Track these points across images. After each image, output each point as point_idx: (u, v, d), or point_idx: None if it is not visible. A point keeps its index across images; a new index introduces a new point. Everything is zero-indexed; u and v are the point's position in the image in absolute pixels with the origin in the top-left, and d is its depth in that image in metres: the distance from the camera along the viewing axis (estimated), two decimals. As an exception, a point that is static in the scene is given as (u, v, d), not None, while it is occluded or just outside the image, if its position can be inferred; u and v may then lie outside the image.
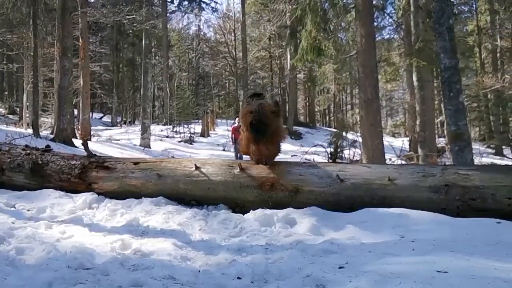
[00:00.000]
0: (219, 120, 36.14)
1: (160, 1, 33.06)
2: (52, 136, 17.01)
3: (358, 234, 4.11)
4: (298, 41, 17.21)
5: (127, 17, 21.32)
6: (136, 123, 34.59)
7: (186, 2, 40.05)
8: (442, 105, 12.33)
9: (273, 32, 38.13)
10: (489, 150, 27.75)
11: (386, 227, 4.25)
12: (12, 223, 4.62)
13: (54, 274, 3.05)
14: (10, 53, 26.50)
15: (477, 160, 13.07)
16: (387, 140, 17.26)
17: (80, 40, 21.54)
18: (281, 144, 5.71)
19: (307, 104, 41.12)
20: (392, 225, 4.30)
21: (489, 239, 3.74)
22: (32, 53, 19.57)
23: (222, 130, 31.47)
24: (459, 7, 28.71)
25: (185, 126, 29.42)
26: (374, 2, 16.18)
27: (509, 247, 3.49)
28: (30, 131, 17.48)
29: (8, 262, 3.35)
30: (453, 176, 4.78)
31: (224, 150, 24.28)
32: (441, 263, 2.94)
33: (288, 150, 24.10)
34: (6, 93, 38.06)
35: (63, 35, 17.32)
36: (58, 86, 17.53)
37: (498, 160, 21.63)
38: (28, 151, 6.61)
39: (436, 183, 4.78)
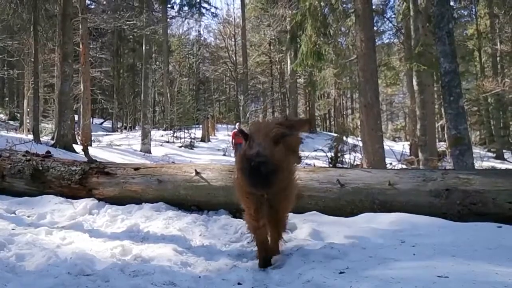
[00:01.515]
0: (220, 125, 36.17)
1: (160, 7, 33.16)
2: (52, 142, 17.00)
3: (359, 239, 4.10)
4: (298, 46, 17.21)
5: (128, 22, 21.36)
6: (136, 128, 34.60)
7: (186, 8, 40.17)
8: (443, 109, 12.32)
9: (273, 37, 38.17)
10: (490, 154, 27.70)
11: (387, 232, 4.24)
12: (13, 229, 4.62)
13: (54, 281, 3.05)
14: (11, 59, 26.55)
15: (477, 164, 13.07)
16: (388, 144, 17.25)
17: (81, 46, 21.58)
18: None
19: (308, 108, 41.09)
20: (392, 230, 4.29)
21: (490, 243, 3.74)
22: (32, 59, 19.61)
23: (223, 135, 31.48)
24: (458, 11, 28.79)
25: (186, 131, 29.42)
26: (374, 7, 16.22)
27: (510, 252, 3.48)
28: (30, 137, 17.49)
29: (8, 269, 3.34)
30: (453, 180, 4.78)
31: (224, 155, 24.25)
32: (442, 268, 2.94)
33: (289, 155, 24.03)
34: (7, 99, 38.14)
35: (63, 41, 17.34)
36: (59, 92, 17.55)
37: (498, 164, 21.59)
38: (28, 157, 6.62)
39: (437, 188, 4.78)
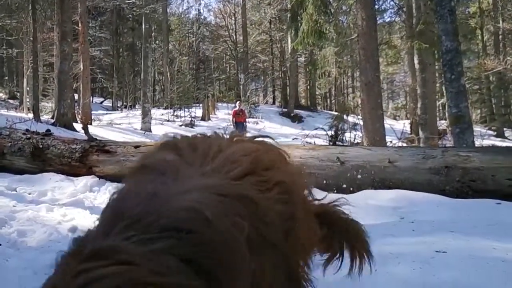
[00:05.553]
0: (220, 104, 35.98)
1: (160, -15, 32.83)
2: (52, 120, 17.00)
3: (358, 216, 4.11)
4: (299, 24, 17.10)
5: (127, 1, 21.21)
6: (136, 107, 34.44)
7: (186, -14, 39.76)
8: (444, 88, 12.27)
9: (274, 16, 37.82)
10: (490, 132, 27.71)
11: (386, 209, 4.26)
12: (14, 206, 4.65)
13: (55, 256, 3.06)
14: (9, 38, 26.39)
15: (478, 142, 13.05)
16: (388, 123, 17.23)
17: (80, 25, 21.41)
18: None
19: (308, 87, 40.95)
20: (392, 207, 4.31)
21: (489, 219, 3.75)
22: (31, 38, 19.50)
23: (223, 114, 31.41)
24: (461, -11, 28.47)
25: (186, 110, 29.35)
26: (375, -16, 16.02)
27: (509, 228, 3.50)
28: (30, 115, 17.49)
29: (10, 245, 3.37)
30: (453, 158, 4.79)
31: (225, 133, 24.24)
32: (440, 243, 2.95)
33: (289, 134, 24.10)
34: (6, 78, 37.96)
35: (62, 20, 17.21)
36: (58, 71, 17.49)
37: (499, 142, 21.62)
38: (28, 136, 6.63)
39: (436, 165, 4.79)
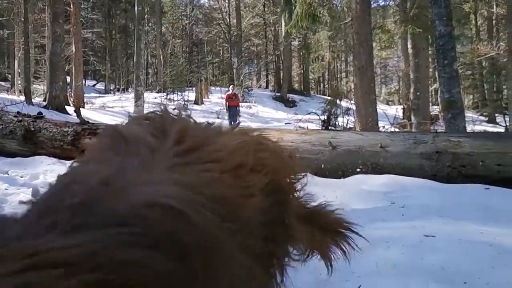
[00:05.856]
0: (213, 88, 35.82)
1: (153, -34, 32.48)
2: (44, 103, 16.91)
3: (349, 200, 4.15)
4: (293, 7, 17.03)
5: (119, -18, 20.95)
6: (129, 90, 34.27)
7: (179, -33, 39.37)
8: (436, 73, 12.29)
9: (268, -2, 37.68)
10: (482, 118, 27.88)
11: (377, 193, 4.29)
12: (6, 189, 4.64)
13: None
14: (0, 19, 26.09)
15: (469, 128, 13.15)
16: (381, 107, 17.28)
17: (71, 6, 21.18)
18: None
19: (302, 71, 40.87)
20: (383, 192, 4.35)
21: (478, 204, 3.80)
22: (22, 19, 19.29)
23: (216, 98, 31.31)
24: (455, -27, 28.33)
25: (179, 93, 29.27)
26: (369, -32, 15.92)
27: (497, 213, 3.55)
28: (22, 98, 17.36)
29: (2, 228, 3.38)
30: (444, 143, 4.83)
31: (218, 117, 24.19)
32: (429, 227, 2.99)
33: (282, 118, 24.12)
34: (-3, 59, 37.64)
35: (53, 1, 17.02)
36: (50, 53, 17.33)
37: (490, 128, 21.75)
38: (20, 118, 6.60)
39: (428, 150, 4.83)
